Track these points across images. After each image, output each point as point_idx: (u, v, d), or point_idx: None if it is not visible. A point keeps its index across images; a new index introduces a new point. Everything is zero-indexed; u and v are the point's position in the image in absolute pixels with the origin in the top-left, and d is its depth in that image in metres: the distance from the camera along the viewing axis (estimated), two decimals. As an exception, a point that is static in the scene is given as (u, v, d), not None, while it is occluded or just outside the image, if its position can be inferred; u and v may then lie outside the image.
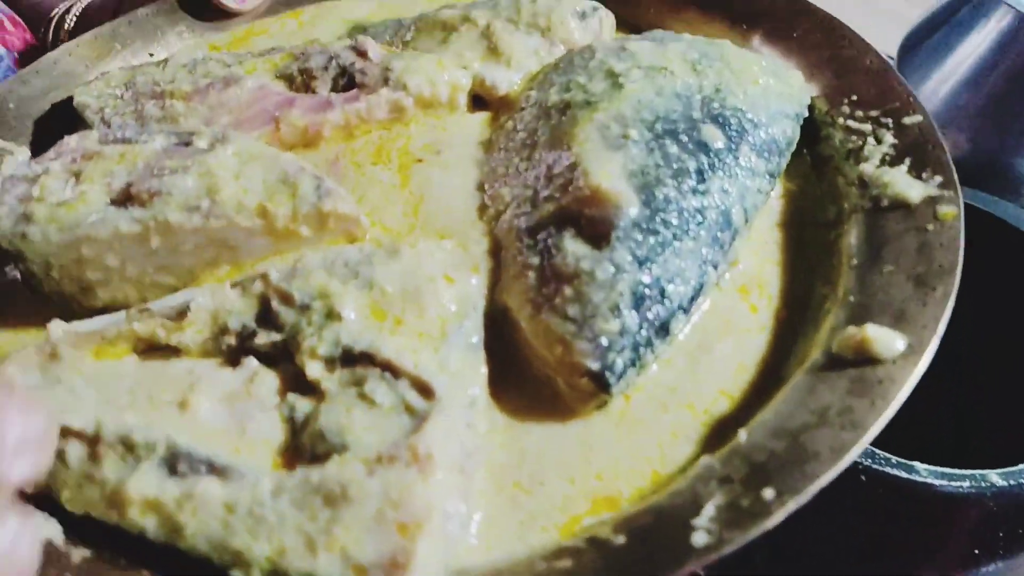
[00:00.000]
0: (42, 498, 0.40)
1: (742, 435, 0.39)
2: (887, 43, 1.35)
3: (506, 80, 0.60)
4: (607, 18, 0.66)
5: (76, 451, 0.41)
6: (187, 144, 0.53)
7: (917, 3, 1.47)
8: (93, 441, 0.41)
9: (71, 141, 0.54)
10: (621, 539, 0.36)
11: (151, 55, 0.72)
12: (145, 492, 0.39)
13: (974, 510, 0.48)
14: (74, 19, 0.90)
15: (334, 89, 0.60)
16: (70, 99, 0.64)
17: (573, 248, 0.45)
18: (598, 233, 0.45)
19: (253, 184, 0.49)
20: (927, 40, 1.10)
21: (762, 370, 0.45)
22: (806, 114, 0.57)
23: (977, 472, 0.48)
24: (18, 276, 0.52)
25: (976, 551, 0.50)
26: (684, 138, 0.50)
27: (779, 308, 0.48)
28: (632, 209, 0.46)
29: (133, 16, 0.72)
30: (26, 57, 0.83)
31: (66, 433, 0.41)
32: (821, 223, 0.53)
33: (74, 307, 0.51)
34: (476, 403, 0.43)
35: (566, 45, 0.62)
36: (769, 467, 0.37)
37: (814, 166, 0.56)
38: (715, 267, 0.48)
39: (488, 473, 0.42)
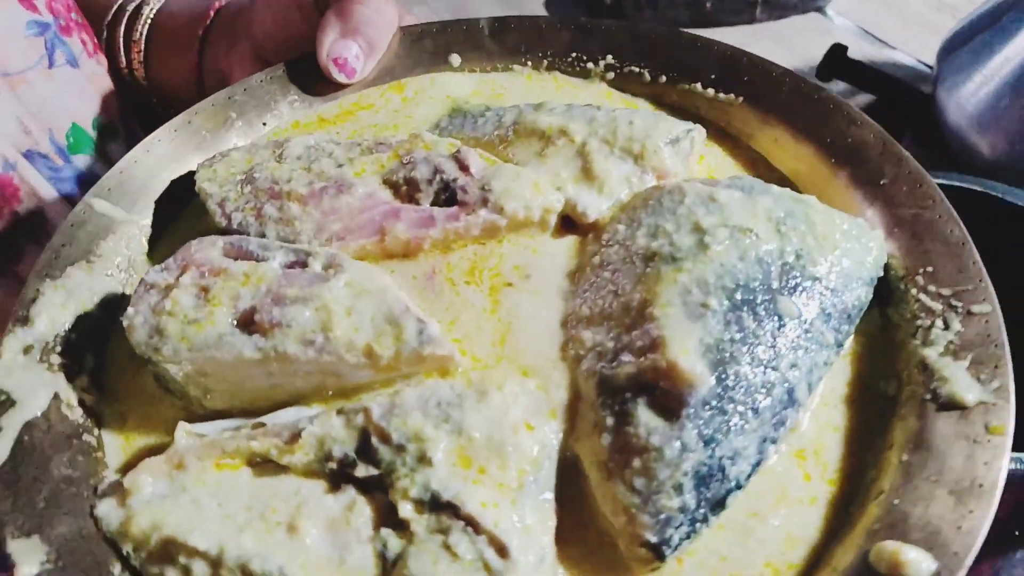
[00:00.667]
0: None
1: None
2: (919, 48, 1.36)
3: (596, 208, 0.64)
4: (699, 136, 0.68)
5: (200, 570, 0.48)
6: (304, 265, 0.58)
7: (945, 11, 1.47)
8: (216, 564, 0.48)
9: (196, 249, 0.59)
10: None
11: (264, 124, 0.76)
12: (262, 621, 0.46)
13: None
14: (146, 25, 0.95)
15: (435, 202, 0.64)
16: (189, 172, 0.71)
17: (646, 419, 0.50)
18: (670, 406, 0.50)
19: (363, 322, 0.54)
20: (968, 43, 1.11)
21: (809, 548, 0.50)
22: (880, 275, 0.59)
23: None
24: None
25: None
26: (761, 310, 0.54)
27: (832, 480, 0.52)
28: (704, 388, 0.50)
29: (248, 83, 0.77)
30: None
31: (193, 553, 0.49)
32: (880, 394, 0.56)
33: (195, 405, 0.58)
34: (545, 559, 0.49)
35: (656, 173, 0.65)
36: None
37: (882, 328, 0.59)
38: (774, 443, 0.52)
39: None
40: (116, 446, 0.57)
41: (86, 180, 0.86)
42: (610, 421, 0.51)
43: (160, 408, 0.59)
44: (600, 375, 0.53)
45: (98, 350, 0.61)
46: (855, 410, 0.56)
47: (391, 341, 0.54)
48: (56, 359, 0.59)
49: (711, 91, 0.74)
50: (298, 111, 0.78)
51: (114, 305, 0.64)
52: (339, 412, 0.53)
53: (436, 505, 0.49)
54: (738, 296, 0.54)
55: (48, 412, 0.56)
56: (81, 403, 0.58)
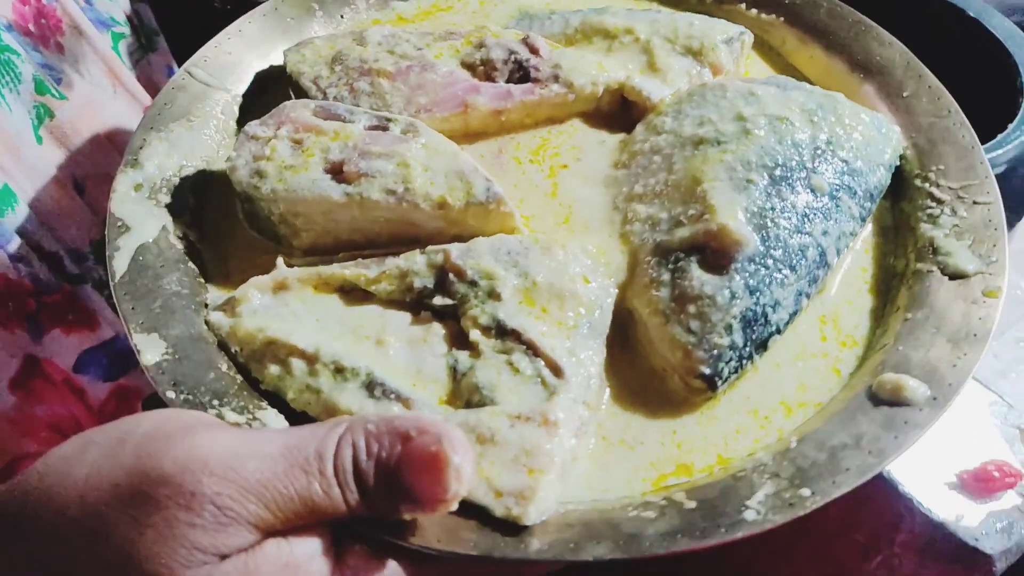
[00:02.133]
0: (273, 398, 0.56)
1: (793, 441, 0.52)
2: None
3: (659, 93, 0.71)
4: (748, 39, 0.76)
5: (299, 365, 0.56)
6: (385, 128, 0.66)
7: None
8: (312, 360, 0.56)
9: (290, 109, 0.66)
10: (692, 504, 0.49)
11: (342, 16, 0.83)
12: (351, 406, 0.53)
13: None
14: None
15: (510, 80, 0.71)
16: (274, 54, 0.78)
17: (698, 274, 0.57)
18: (720, 263, 0.58)
19: (437, 178, 0.62)
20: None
21: (817, 391, 0.58)
22: (897, 163, 0.67)
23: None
24: (239, 214, 0.67)
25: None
26: (797, 185, 0.62)
27: (843, 343, 0.60)
28: (750, 247, 0.58)
29: (330, -22, 0.84)
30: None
31: (293, 350, 0.56)
32: (890, 271, 0.64)
33: (281, 243, 0.65)
34: (592, 385, 0.56)
35: (712, 69, 0.73)
36: (810, 472, 0.50)
37: (895, 218, 0.67)
38: (808, 297, 0.60)
39: (598, 434, 0.56)
40: (216, 279, 0.64)
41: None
42: (666, 277, 0.59)
43: (255, 254, 0.66)
44: (655, 241, 0.61)
45: (197, 196, 0.68)
46: (868, 288, 0.63)
47: (462, 194, 0.62)
48: (163, 198, 0.66)
49: (755, 11, 0.81)
50: (374, 7, 0.84)
51: (211, 161, 0.71)
52: (422, 252, 0.61)
53: (502, 331, 0.57)
54: (777, 173, 0.62)
55: (158, 239, 0.63)
56: (185, 236, 0.65)
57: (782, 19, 0.80)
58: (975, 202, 0.63)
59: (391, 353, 0.57)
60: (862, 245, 0.66)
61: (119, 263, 0.61)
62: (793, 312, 0.59)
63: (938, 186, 0.65)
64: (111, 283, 0.60)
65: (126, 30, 0.93)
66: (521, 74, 0.71)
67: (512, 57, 0.72)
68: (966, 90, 0.73)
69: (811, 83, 0.75)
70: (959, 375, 0.53)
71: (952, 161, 0.66)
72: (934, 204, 0.64)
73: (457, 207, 0.61)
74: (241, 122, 0.75)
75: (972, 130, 0.67)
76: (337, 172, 0.63)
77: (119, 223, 0.63)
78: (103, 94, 0.86)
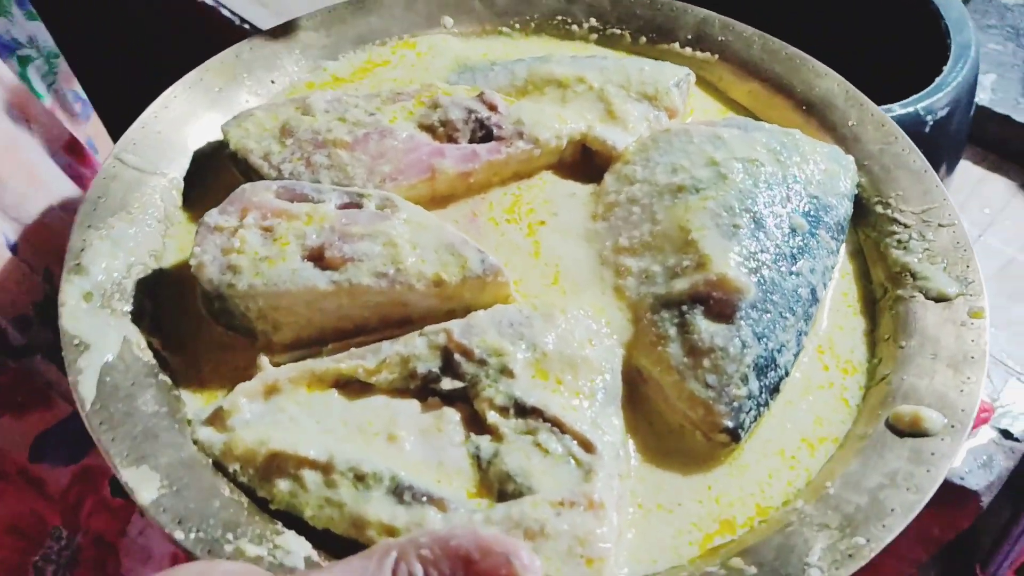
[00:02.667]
0: (286, 517, 0.51)
1: (830, 488, 0.53)
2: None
3: (622, 140, 0.71)
4: (692, 79, 0.77)
5: (313, 478, 0.52)
6: (359, 206, 0.62)
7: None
8: (327, 470, 0.52)
9: (251, 193, 0.62)
10: (753, 570, 0.49)
11: (272, 82, 0.79)
12: (381, 517, 0.50)
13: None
14: None
15: (472, 139, 0.69)
16: (208, 128, 0.72)
17: (706, 326, 0.57)
18: (724, 313, 0.58)
19: (427, 254, 0.59)
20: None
21: (832, 424, 0.59)
22: (856, 192, 0.69)
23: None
24: (203, 311, 0.62)
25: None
26: (779, 225, 0.63)
27: (844, 369, 0.62)
28: (751, 294, 0.58)
29: (252, 42, 0.79)
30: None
31: (303, 462, 0.52)
32: (869, 292, 0.66)
33: (258, 339, 0.61)
34: (620, 454, 0.55)
35: (668, 112, 0.73)
36: (857, 518, 0.50)
37: (860, 243, 0.69)
38: (806, 335, 0.61)
39: (633, 502, 0.55)
40: (191, 388, 0.59)
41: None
42: (672, 332, 0.58)
43: (230, 354, 0.60)
44: (654, 295, 0.60)
45: (153, 298, 0.62)
46: (854, 311, 0.65)
47: (457, 270, 0.59)
48: (117, 305, 0.60)
49: (689, 50, 0.82)
50: (304, 69, 0.80)
51: (159, 255, 0.65)
52: (420, 334, 0.58)
53: (521, 411, 0.55)
54: (759, 215, 0.63)
55: (122, 354, 0.57)
56: (150, 345, 0.59)
57: (717, 57, 0.82)
58: (940, 225, 0.66)
59: (407, 448, 0.54)
60: (839, 271, 0.67)
61: (86, 389, 0.54)
62: (796, 352, 0.60)
63: (901, 211, 0.68)
64: (82, 412, 0.53)
65: (33, 52, 0.84)
66: (484, 133, 0.69)
67: (472, 116, 0.70)
68: (892, 41, 0.75)
69: (757, 118, 0.77)
70: (969, 400, 0.55)
71: (909, 185, 0.69)
72: (900, 229, 0.67)
73: (453, 284, 0.59)
74: (186, 208, 0.69)
75: (921, 154, 0.70)
76: (318, 259, 0.59)
77: (76, 341, 0.56)
78: (19, 134, 0.76)
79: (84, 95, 0.95)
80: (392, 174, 0.66)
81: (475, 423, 0.55)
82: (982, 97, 1.16)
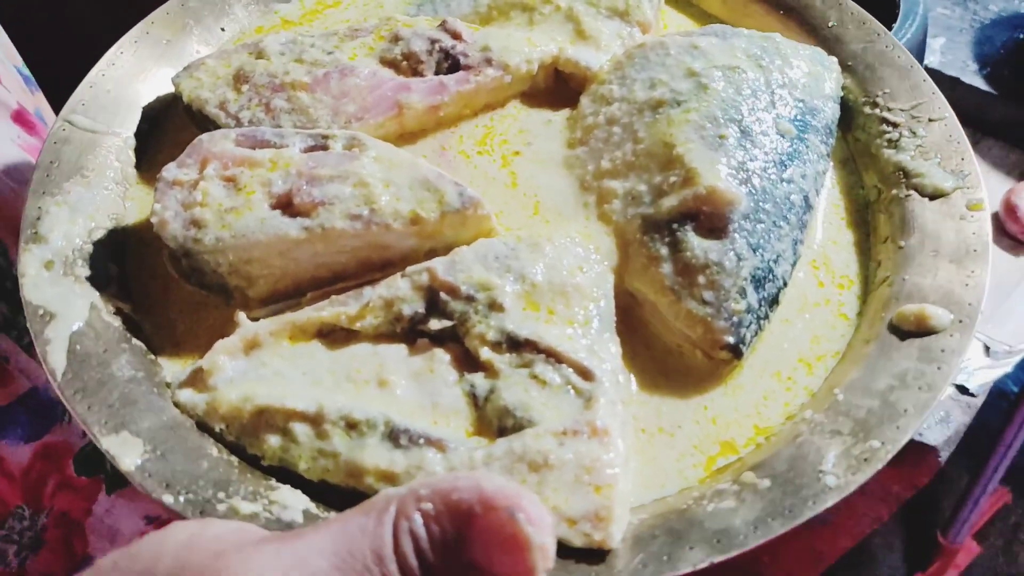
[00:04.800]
0: (280, 472, 0.49)
1: (839, 394, 0.51)
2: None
3: (597, 61, 0.67)
4: None
5: (304, 430, 0.49)
6: (324, 148, 0.59)
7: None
8: (317, 420, 0.49)
9: (210, 143, 0.58)
10: (766, 482, 0.47)
11: (223, 29, 0.75)
12: (379, 463, 0.48)
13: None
14: None
15: (439, 71, 0.66)
16: (158, 83, 0.69)
17: (698, 243, 0.55)
18: (716, 227, 0.55)
19: (402, 192, 0.56)
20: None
21: (831, 340, 0.57)
22: (841, 94, 0.67)
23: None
24: (172, 271, 0.59)
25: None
26: (767, 132, 0.60)
27: (840, 284, 0.59)
28: (742, 204, 0.56)
29: (199, -13, 0.74)
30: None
31: (292, 415, 0.49)
32: (862, 203, 0.64)
33: (232, 296, 0.58)
34: (620, 379, 0.53)
35: (641, 27, 0.70)
36: (870, 421, 0.49)
37: (850, 148, 0.67)
38: (802, 243, 0.59)
39: (636, 427, 0.53)
40: (167, 351, 0.56)
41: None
42: (664, 251, 0.56)
43: (204, 313, 0.58)
44: (642, 216, 0.58)
45: (118, 261, 0.59)
46: (846, 223, 0.63)
47: (435, 205, 0.56)
48: (80, 271, 0.57)
49: (657, -40, 0.79)
50: (255, 15, 0.76)
51: (120, 217, 0.62)
52: (402, 275, 0.55)
53: (514, 344, 0.52)
54: (744, 124, 0.60)
55: (90, 320, 0.54)
56: (119, 311, 0.56)
57: (687, -35, 0.78)
58: (930, 119, 0.63)
59: (399, 393, 0.52)
60: (829, 181, 0.65)
61: (55, 358, 0.52)
62: (793, 262, 0.58)
63: (889, 110, 0.65)
64: (53, 383, 0.50)
65: None
66: (450, 63, 0.66)
67: (436, 46, 0.66)
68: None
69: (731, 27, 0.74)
70: (975, 293, 0.54)
71: (895, 83, 0.66)
72: (890, 128, 0.64)
73: (432, 220, 0.56)
74: (141, 167, 0.65)
75: (905, 49, 0.68)
76: (286, 206, 0.56)
77: (40, 311, 0.53)
78: None
79: (27, 70, 0.90)
80: (357, 113, 0.63)
81: (467, 361, 0.53)
82: (931, 60, 1.19)
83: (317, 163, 0.57)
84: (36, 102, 0.87)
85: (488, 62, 0.66)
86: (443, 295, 0.54)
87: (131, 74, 0.69)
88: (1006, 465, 0.97)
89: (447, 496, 0.38)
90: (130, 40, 0.70)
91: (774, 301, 0.56)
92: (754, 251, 0.55)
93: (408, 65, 0.66)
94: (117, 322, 0.55)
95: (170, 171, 0.57)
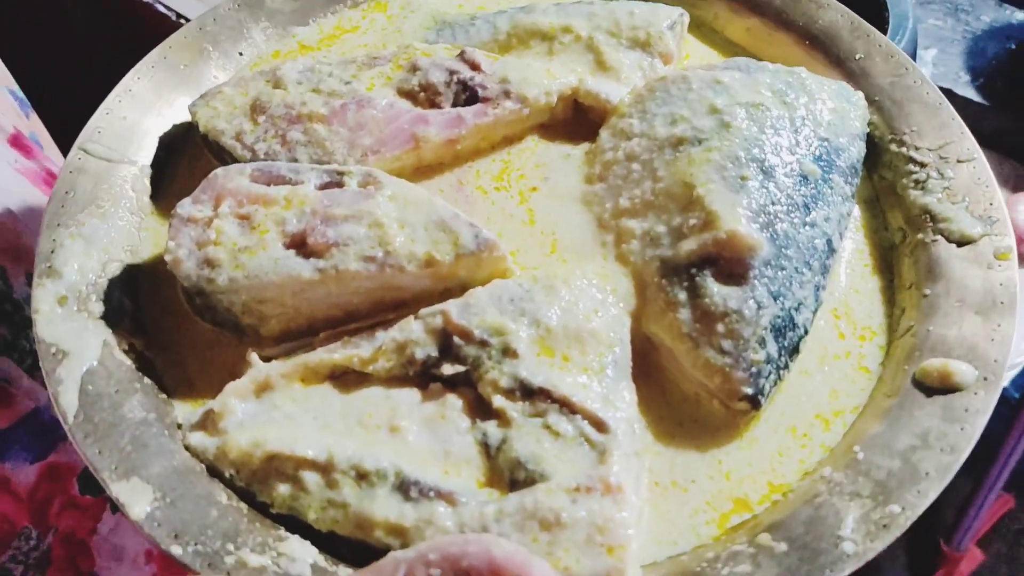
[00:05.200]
0: (289, 520, 0.49)
1: (859, 452, 0.50)
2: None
3: (616, 93, 0.66)
4: (686, 19, 0.72)
5: (313, 479, 0.49)
6: (340, 184, 0.58)
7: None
8: (327, 469, 0.49)
9: (224, 179, 0.58)
10: (783, 546, 0.46)
11: (240, 54, 0.74)
12: (388, 517, 0.47)
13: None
14: None
15: (456, 103, 0.65)
16: (176, 110, 0.68)
17: (717, 289, 0.54)
18: (735, 273, 0.54)
19: (417, 233, 0.55)
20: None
21: (850, 394, 0.55)
22: (867, 131, 0.65)
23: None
24: (186, 306, 0.58)
25: None
26: (789, 173, 0.59)
27: (862, 336, 0.58)
28: (763, 250, 0.55)
29: (216, 12, 0.74)
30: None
31: (302, 463, 0.49)
32: (887, 246, 0.62)
33: (245, 334, 0.57)
34: (635, 430, 0.52)
35: (663, 58, 0.68)
36: (890, 484, 0.47)
37: (875, 188, 0.65)
38: (824, 289, 0.58)
39: (649, 479, 0.52)
40: (180, 390, 0.56)
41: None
42: (682, 296, 0.55)
43: (217, 351, 0.58)
44: (660, 259, 0.57)
45: (131, 296, 0.59)
46: (871, 269, 0.62)
47: (449, 247, 0.55)
48: (95, 307, 0.56)
49: (680, -14, 0.77)
50: (273, 38, 0.75)
51: (135, 250, 0.61)
52: (416, 318, 0.54)
53: (527, 392, 0.52)
54: (767, 164, 0.58)
55: (103, 359, 0.54)
56: (132, 348, 0.56)
57: (710, -8, 0.77)
58: (959, 160, 0.62)
59: (410, 439, 0.51)
60: (852, 224, 0.64)
61: (67, 399, 0.51)
62: (815, 309, 0.57)
63: (916, 149, 0.64)
64: (65, 426, 0.50)
65: None
66: (468, 95, 0.65)
67: (454, 77, 0.65)
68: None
69: (758, 59, 0.73)
70: (1001, 349, 0.52)
71: (923, 120, 0.65)
72: (917, 168, 0.63)
73: (446, 262, 0.55)
74: (156, 197, 0.65)
75: (934, 85, 0.66)
76: (300, 245, 0.55)
77: (53, 349, 0.53)
78: None
79: (21, 93, 0.90)
80: (374, 146, 0.62)
81: (480, 408, 0.52)
82: (924, 71, 1.15)
83: (332, 201, 0.57)
84: (31, 126, 0.87)
85: (506, 94, 0.65)
86: (456, 339, 0.53)
87: (148, 101, 0.68)
88: (1009, 471, 0.96)
89: (457, 563, 0.37)
90: (147, 65, 0.70)
91: (794, 350, 0.55)
92: (775, 299, 0.54)
93: (426, 96, 0.65)
94: (129, 360, 0.55)
95: (184, 207, 0.57)
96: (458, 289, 0.57)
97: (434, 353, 0.53)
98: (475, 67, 0.66)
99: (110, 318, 0.56)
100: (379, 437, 0.51)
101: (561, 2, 0.74)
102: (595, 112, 0.67)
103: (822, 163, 0.60)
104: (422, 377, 0.54)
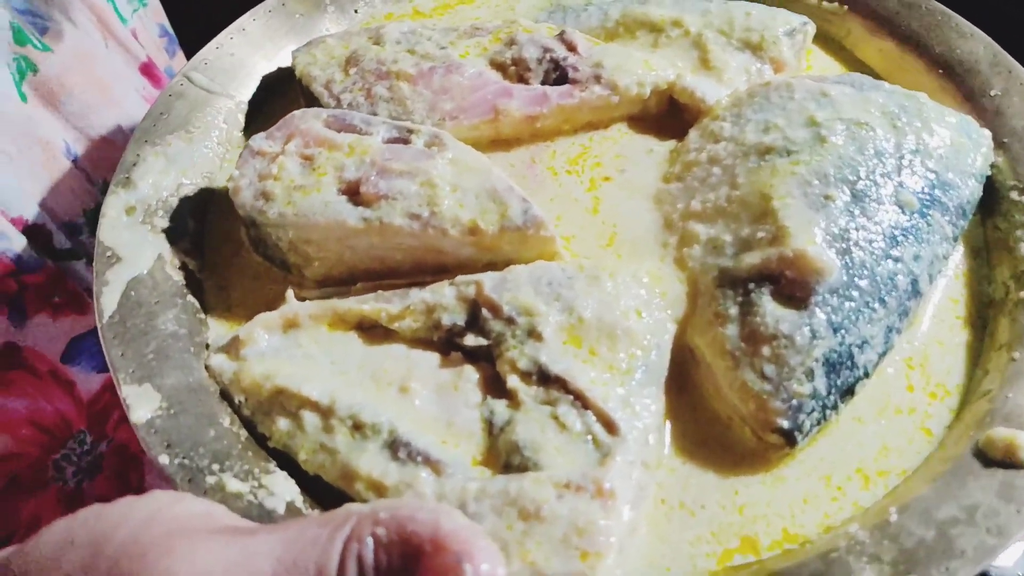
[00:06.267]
0: (283, 456, 0.49)
1: (893, 514, 0.44)
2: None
3: (714, 93, 0.63)
4: (811, 30, 0.67)
5: (312, 420, 0.48)
6: (406, 141, 0.58)
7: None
8: (327, 413, 0.48)
9: (300, 120, 0.59)
10: (782, 598, 0.42)
11: (356, 11, 0.75)
12: (372, 472, 0.46)
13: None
14: None
15: (545, 81, 0.63)
16: (282, 55, 0.70)
17: (772, 309, 0.49)
18: (797, 295, 0.50)
19: (467, 199, 0.54)
20: None
21: (903, 455, 0.49)
22: (988, 173, 0.58)
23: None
24: (244, 238, 0.60)
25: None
26: (882, 200, 0.53)
27: (933, 393, 0.52)
28: (832, 275, 0.50)
29: (340, -33, 0.76)
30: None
31: (305, 402, 0.49)
32: (986, 300, 0.55)
33: (291, 272, 0.58)
34: (650, 440, 0.49)
35: (773, 65, 0.64)
36: (917, 555, 0.42)
37: (987, 236, 0.58)
38: (899, 332, 0.52)
39: (657, 495, 0.48)
40: (218, 313, 0.57)
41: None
42: (733, 311, 0.51)
43: (262, 283, 0.59)
44: (719, 268, 0.53)
45: (198, 218, 0.61)
46: (962, 322, 0.55)
47: (496, 218, 0.54)
48: (159, 222, 0.59)
49: (815, -1, 0.72)
50: (390, 2, 0.76)
51: (212, 177, 0.63)
52: (451, 283, 0.53)
53: (544, 378, 0.49)
54: (859, 187, 0.53)
55: (153, 270, 0.56)
56: (184, 266, 0.58)
57: (846, 7, 0.72)
58: (1088, 219, 0.54)
59: (417, 403, 0.50)
60: (952, 270, 0.57)
61: (108, 300, 0.54)
62: (883, 352, 0.51)
63: (1039, 200, 0.56)
64: (98, 324, 0.53)
65: None
66: (558, 74, 0.63)
67: (547, 55, 0.64)
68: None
69: (883, 80, 0.67)
70: (1088, 432, 0.45)
71: (1056, 171, 0.57)
72: (1036, 222, 0.56)
73: (490, 232, 0.53)
74: (247, 133, 0.67)
75: (1078, 135, 0.58)
76: (353, 193, 0.55)
77: (108, 253, 0.56)
78: (94, 46, 0.76)
79: (171, 31, 0.95)
80: (453, 112, 0.62)
81: (495, 385, 0.50)
82: None
83: (393, 155, 0.56)
84: (171, 61, 0.91)
85: (597, 79, 0.63)
86: (484, 311, 0.52)
87: (258, 42, 0.71)
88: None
89: (403, 526, 0.36)
90: (264, 9, 0.72)
91: (848, 392, 0.50)
92: (834, 331, 0.49)
93: (516, 71, 0.64)
94: (179, 276, 0.57)
95: (257, 141, 0.58)
96: (502, 264, 0.55)
97: (461, 322, 0.52)
98: (572, 48, 0.64)
99: (171, 234, 0.58)
100: (388, 394, 0.50)
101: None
102: (690, 111, 0.64)
103: (923, 196, 0.54)
104: (446, 344, 0.52)
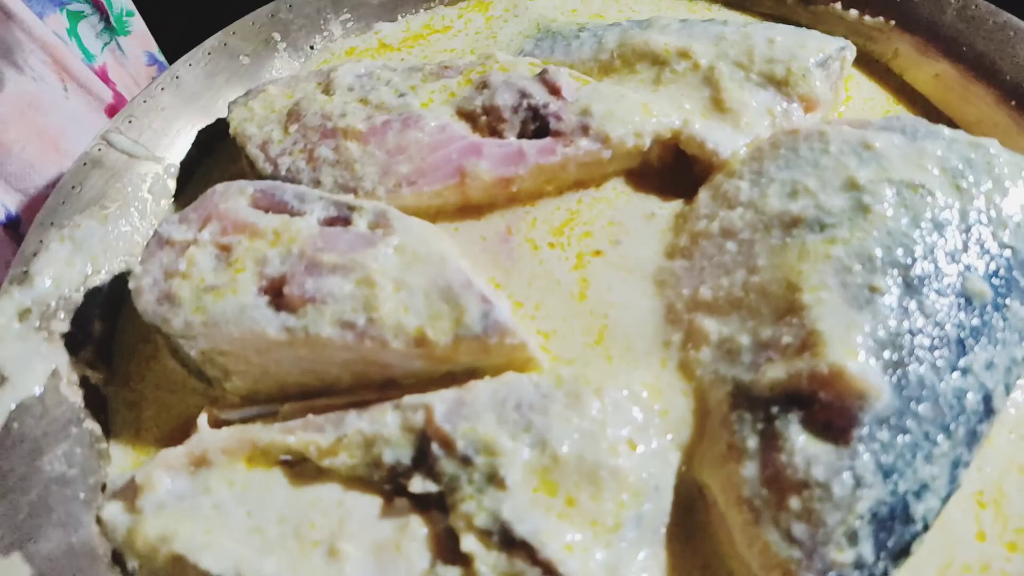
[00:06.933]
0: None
1: None
2: None
3: (729, 143, 0.51)
4: (850, 55, 0.55)
5: (215, 600, 0.39)
6: (347, 221, 0.47)
7: None
8: (232, 593, 0.38)
9: (220, 199, 0.48)
10: None
11: (311, 47, 0.65)
12: None
13: None
14: None
15: (523, 133, 0.52)
16: (223, 104, 0.60)
17: (803, 444, 0.38)
18: (835, 425, 0.38)
19: (414, 300, 0.43)
20: None
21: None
22: None
23: None
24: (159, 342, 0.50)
25: None
26: (945, 292, 0.41)
27: (1012, 543, 0.40)
28: (880, 400, 0.38)
29: (294, -1, 0.65)
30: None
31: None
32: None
33: (212, 385, 0.48)
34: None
35: (804, 103, 0.52)
36: None
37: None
38: (967, 466, 0.40)
39: None
40: (125, 438, 0.47)
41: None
42: (752, 444, 0.39)
43: (181, 396, 0.49)
44: (735, 382, 0.41)
45: (109, 317, 0.52)
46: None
47: (449, 325, 0.43)
48: (58, 326, 0.49)
49: (854, 12, 0.60)
50: (352, 33, 0.66)
51: (131, 262, 0.54)
52: (395, 407, 0.43)
53: (507, 541, 0.39)
54: (914, 273, 0.41)
55: (44, 393, 0.46)
56: (84, 382, 0.48)
57: (893, 23, 0.59)
58: None
59: (348, 570, 0.39)
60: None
61: (-17, 437, 0.44)
62: (946, 495, 0.39)
63: None
64: None
65: (87, 7, 0.75)
66: (537, 125, 0.52)
67: (524, 102, 0.52)
68: None
69: (940, 115, 0.54)
70: None
71: None
72: None
73: (442, 344, 0.43)
74: (179, 202, 0.58)
75: None
76: (277, 293, 0.45)
77: (-9, 372, 0.46)
78: (45, 92, 0.67)
79: (162, 57, 0.86)
80: (411, 176, 0.51)
81: (447, 545, 0.40)
82: None
83: (327, 243, 0.46)
84: None
85: (584, 130, 0.51)
86: (435, 447, 0.41)
87: (194, 92, 0.61)
88: None
89: None
90: (203, 51, 0.62)
91: (902, 553, 0.38)
92: (884, 475, 0.37)
93: (487, 121, 0.53)
94: (77, 396, 0.47)
95: (166, 227, 0.48)
96: (464, 374, 0.44)
97: (406, 460, 0.41)
98: (554, 91, 0.53)
99: (72, 342, 0.49)
100: (312, 560, 0.40)
101: (688, 19, 0.58)
102: (700, 163, 0.52)
103: (998, 282, 0.42)
104: (390, 482, 0.42)
